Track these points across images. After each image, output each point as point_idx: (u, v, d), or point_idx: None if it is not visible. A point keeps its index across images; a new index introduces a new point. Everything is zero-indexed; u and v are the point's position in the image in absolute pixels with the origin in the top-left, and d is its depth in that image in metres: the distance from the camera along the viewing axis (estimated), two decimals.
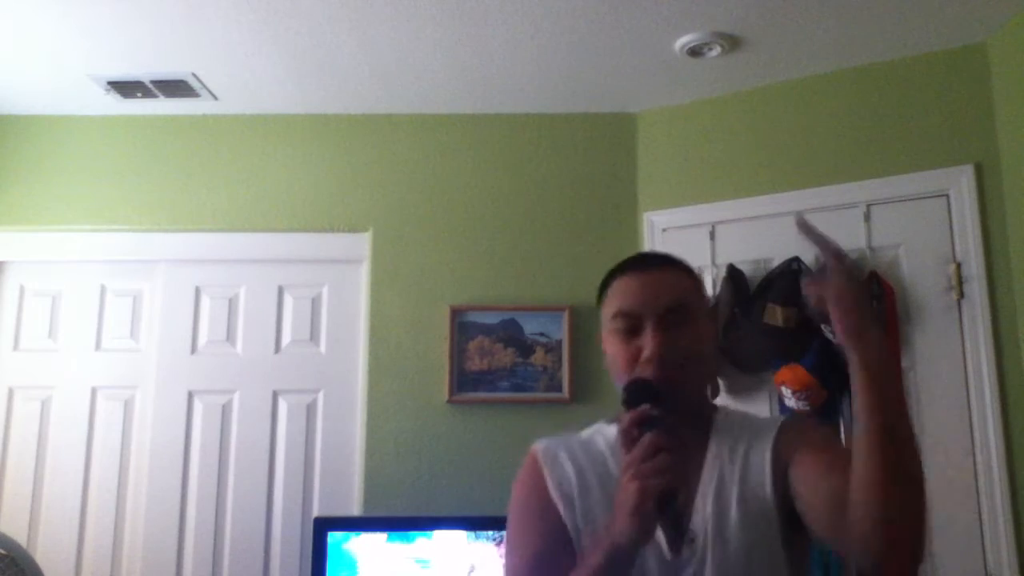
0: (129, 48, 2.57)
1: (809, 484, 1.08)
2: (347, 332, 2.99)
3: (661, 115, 3.00)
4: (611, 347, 1.21)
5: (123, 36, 2.50)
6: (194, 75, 2.76)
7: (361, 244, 3.02)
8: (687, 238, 2.85)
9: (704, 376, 1.26)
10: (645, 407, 1.05)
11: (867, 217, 2.59)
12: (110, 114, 3.06)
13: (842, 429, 2.49)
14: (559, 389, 2.85)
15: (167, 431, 2.91)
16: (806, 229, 1.05)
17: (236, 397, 2.96)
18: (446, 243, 2.97)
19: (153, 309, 3.02)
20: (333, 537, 2.52)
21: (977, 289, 2.40)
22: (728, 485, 1.15)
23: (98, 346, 3.00)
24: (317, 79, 2.80)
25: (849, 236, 2.59)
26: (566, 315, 2.85)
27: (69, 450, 2.92)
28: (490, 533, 2.49)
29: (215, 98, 2.94)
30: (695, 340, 1.18)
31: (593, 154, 3.02)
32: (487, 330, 2.89)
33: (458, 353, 2.88)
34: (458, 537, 2.51)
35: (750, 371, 2.64)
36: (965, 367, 2.40)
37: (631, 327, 1.18)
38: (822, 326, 2.44)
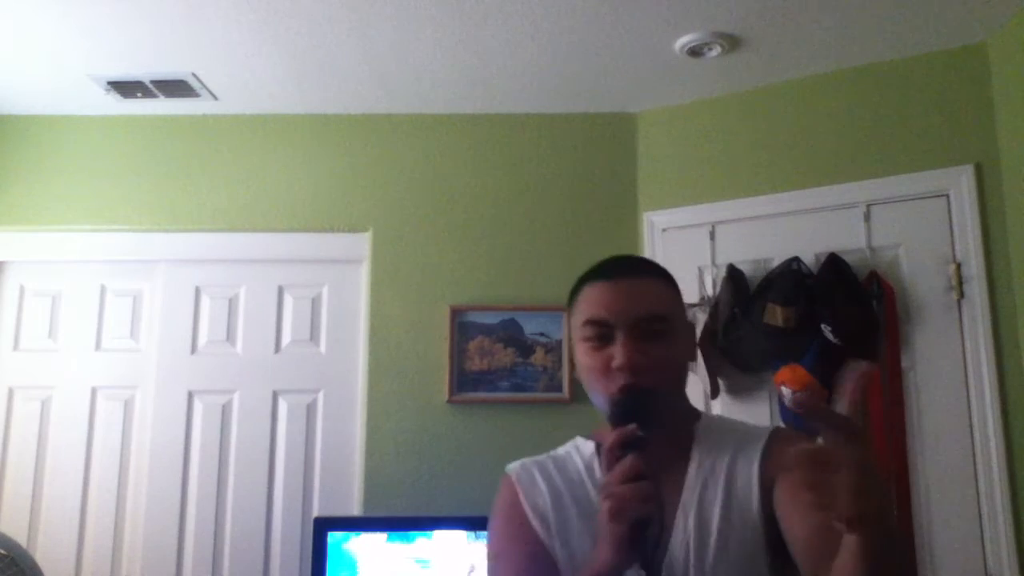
0: (129, 48, 2.57)
1: (795, 515, 1.01)
2: (347, 332, 2.99)
3: (661, 115, 3.00)
4: (582, 356, 1.15)
5: (123, 36, 2.50)
6: (194, 75, 2.76)
7: (361, 244, 3.02)
8: (687, 238, 2.85)
9: (680, 386, 1.19)
10: (631, 427, 1.01)
11: (867, 217, 2.59)
12: (110, 114, 3.06)
13: None
14: (559, 389, 2.85)
15: (167, 431, 2.91)
16: (813, 413, 0.84)
17: (236, 397, 2.96)
18: (446, 243, 2.97)
19: (153, 309, 3.02)
20: (333, 537, 2.52)
21: (977, 289, 2.40)
22: (711, 504, 1.09)
23: (98, 346, 3.00)
24: (317, 79, 2.80)
25: (849, 236, 2.59)
26: (566, 315, 2.84)
27: (69, 450, 2.92)
28: None
29: (215, 98, 2.94)
30: (669, 351, 1.12)
31: (593, 154, 3.02)
32: (487, 330, 2.89)
33: (458, 353, 2.88)
34: (458, 537, 2.51)
35: (750, 371, 2.64)
36: (965, 367, 2.40)
37: (602, 336, 1.12)
38: (822, 326, 2.44)
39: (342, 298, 3.02)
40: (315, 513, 2.83)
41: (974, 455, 2.36)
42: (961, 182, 2.47)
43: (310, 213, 3.02)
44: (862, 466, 0.76)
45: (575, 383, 2.83)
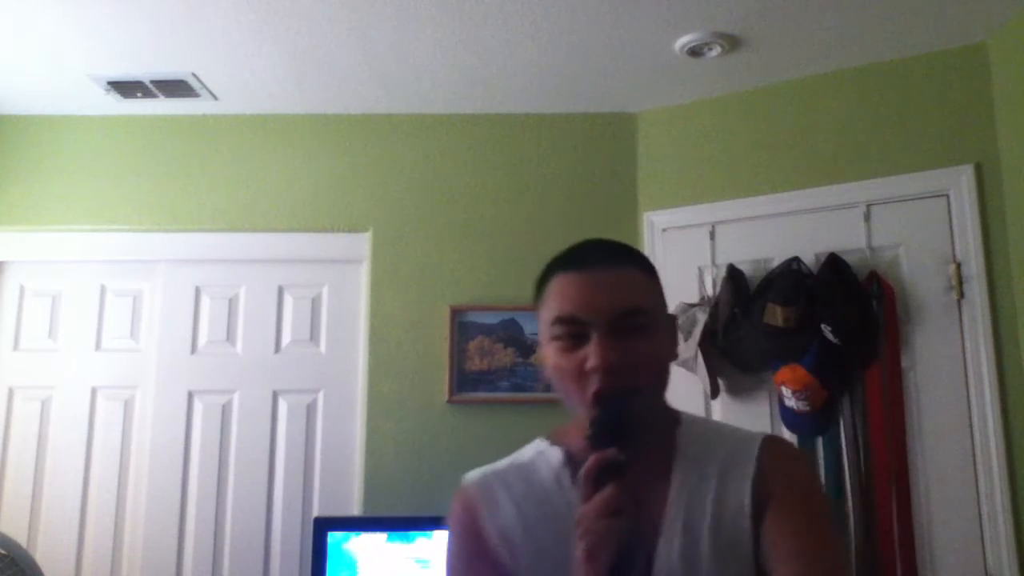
0: (129, 48, 2.57)
1: (780, 555, 0.95)
2: (347, 332, 2.99)
3: (661, 115, 3.00)
4: (552, 357, 1.03)
5: (123, 36, 2.50)
6: (194, 75, 2.76)
7: (361, 244, 3.02)
8: (687, 238, 2.85)
9: (662, 387, 1.06)
10: (611, 452, 0.91)
11: (867, 217, 2.59)
12: (110, 114, 3.06)
13: (842, 429, 2.50)
14: None
15: (167, 431, 2.91)
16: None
17: (236, 397, 2.96)
18: (446, 243, 2.97)
19: (153, 309, 3.02)
20: (333, 537, 2.52)
21: (977, 289, 2.40)
22: (698, 528, 0.98)
23: (98, 346, 3.00)
24: (317, 79, 2.80)
25: (849, 236, 2.59)
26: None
27: (69, 450, 2.92)
28: None
29: (215, 98, 2.94)
30: (650, 349, 1.01)
31: (593, 154, 3.02)
32: (487, 330, 2.89)
33: (458, 353, 2.88)
34: None
35: (750, 371, 2.64)
36: (965, 367, 2.40)
37: (575, 335, 1.00)
38: (822, 326, 2.44)
39: (342, 298, 3.02)
40: (315, 513, 2.83)
41: (974, 455, 2.36)
42: (961, 182, 2.47)
43: (310, 213, 3.02)
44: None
45: None
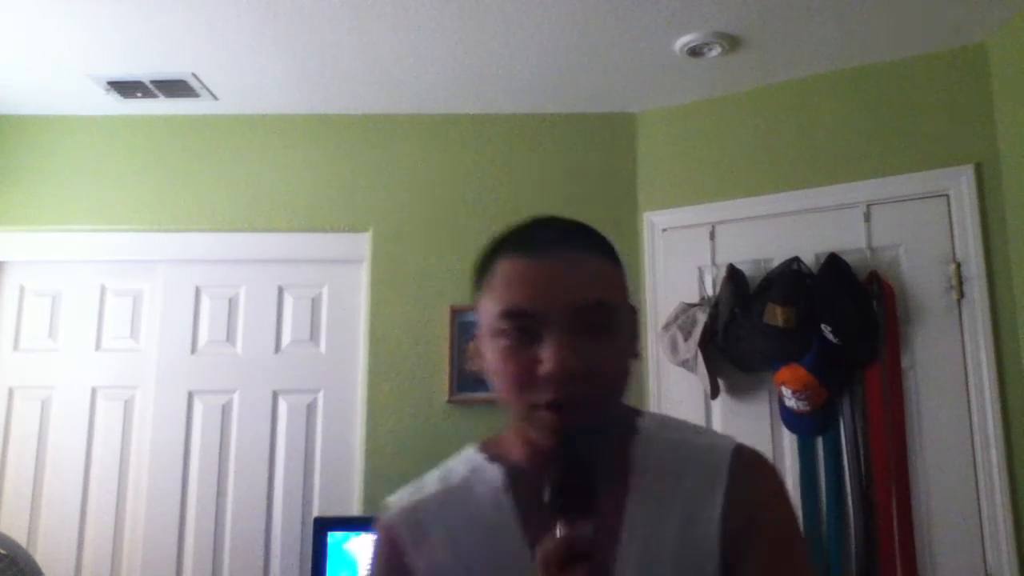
0: (129, 48, 2.57)
1: None
2: (347, 332, 2.99)
3: (661, 115, 3.00)
4: (494, 357, 0.87)
5: (123, 36, 2.50)
6: (194, 75, 2.76)
7: (361, 244, 3.02)
8: (687, 238, 2.85)
9: (623, 393, 0.90)
10: (582, 531, 0.76)
11: (867, 217, 2.59)
12: (110, 114, 3.06)
13: (842, 429, 2.50)
14: None
15: (167, 431, 2.91)
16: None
17: (236, 397, 2.96)
18: (446, 243, 2.97)
19: (153, 309, 3.02)
20: (333, 537, 2.52)
21: (977, 289, 2.40)
22: (658, 556, 0.85)
23: (98, 346, 3.00)
24: (317, 79, 2.80)
25: (849, 236, 2.59)
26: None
27: (69, 450, 2.92)
28: None
29: (215, 98, 2.94)
30: (613, 352, 0.86)
31: (593, 154, 3.02)
32: None
33: (458, 353, 2.88)
34: None
35: (750, 371, 2.64)
36: (965, 367, 2.40)
37: (524, 331, 0.85)
38: (822, 326, 2.44)
39: (342, 298, 3.02)
40: (315, 513, 2.83)
41: (974, 455, 2.35)
42: (961, 182, 2.47)
43: (310, 213, 3.02)
44: None
45: None
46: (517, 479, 0.92)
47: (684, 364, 2.66)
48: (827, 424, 2.50)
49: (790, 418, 2.53)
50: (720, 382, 2.65)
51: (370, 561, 0.96)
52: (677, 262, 2.85)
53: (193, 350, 2.98)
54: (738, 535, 0.86)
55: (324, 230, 3.02)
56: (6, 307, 3.03)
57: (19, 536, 2.70)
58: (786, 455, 2.59)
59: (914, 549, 2.36)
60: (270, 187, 3.03)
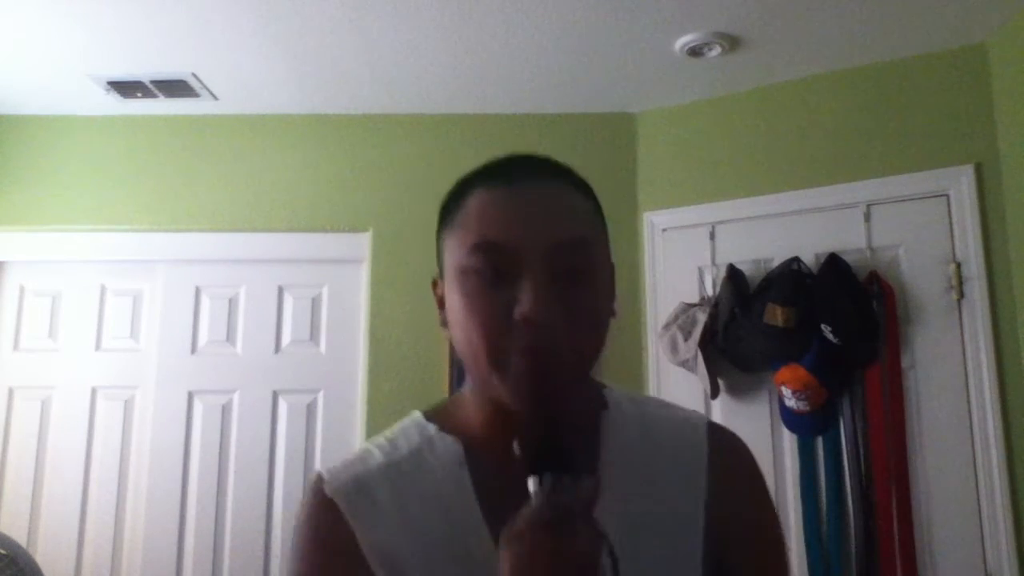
0: (129, 48, 2.57)
1: None
2: (347, 332, 2.99)
3: (661, 115, 3.00)
4: (460, 301, 0.78)
5: (123, 36, 2.49)
6: (194, 75, 2.76)
7: (361, 244, 3.02)
8: (687, 238, 2.85)
9: (599, 353, 0.79)
10: (577, 489, 0.67)
11: (867, 217, 2.59)
12: (110, 114, 3.06)
13: (842, 429, 2.50)
14: None
15: (167, 431, 2.91)
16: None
17: (236, 397, 2.96)
18: None
19: (153, 309, 3.02)
20: None
21: (977, 289, 2.40)
22: (635, 526, 0.79)
23: (98, 346, 3.00)
24: (317, 79, 2.80)
25: (849, 236, 2.59)
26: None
27: (69, 450, 2.92)
28: None
29: (215, 98, 2.94)
30: (592, 300, 0.77)
31: (593, 154, 3.02)
32: None
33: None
34: None
35: (750, 371, 2.64)
36: (965, 367, 2.40)
37: (497, 268, 0.76)
38: (822, 326, 2.44)
39: (342, 298, 3.02)
40: None
41: (974, 455, 2.35)
42: (961, 182, 2.47)
43: (310, 213, 3.02)
44: None
45: None
46: (475, 451, 0.83)
47: (684, 364, 2.66)
48: (827, 424, 2.50)
49: (790, 418, 2.53)
50: (720, 382, 2.65)
51: (301, 535, 0.81)
52: (677, 262, 2.85)
53: (193, 350, 2.98)
54: (723, 518, 0.84)
55: (324, 230, 3.02)
56: (6, 307, 3.03)
57: (19, 536, 2.70)
58: (786, 455, 2.59)
59: (914, 549, 2.36)
60: (270, 187, 3.03)
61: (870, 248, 2.56)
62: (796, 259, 2.57)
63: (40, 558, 2.57)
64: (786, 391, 2.48)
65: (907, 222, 2.54)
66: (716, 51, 2.56)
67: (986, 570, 2.30)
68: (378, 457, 0.84)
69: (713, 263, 2.78)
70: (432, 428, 0.86)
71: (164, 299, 3.01)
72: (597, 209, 0.84)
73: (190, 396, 2.95)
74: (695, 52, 2.56)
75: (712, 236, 2.81)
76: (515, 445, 0.69)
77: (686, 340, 2.63)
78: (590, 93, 2.90)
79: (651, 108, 3.01)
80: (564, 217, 0.77)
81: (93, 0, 2.29)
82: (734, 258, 2.73)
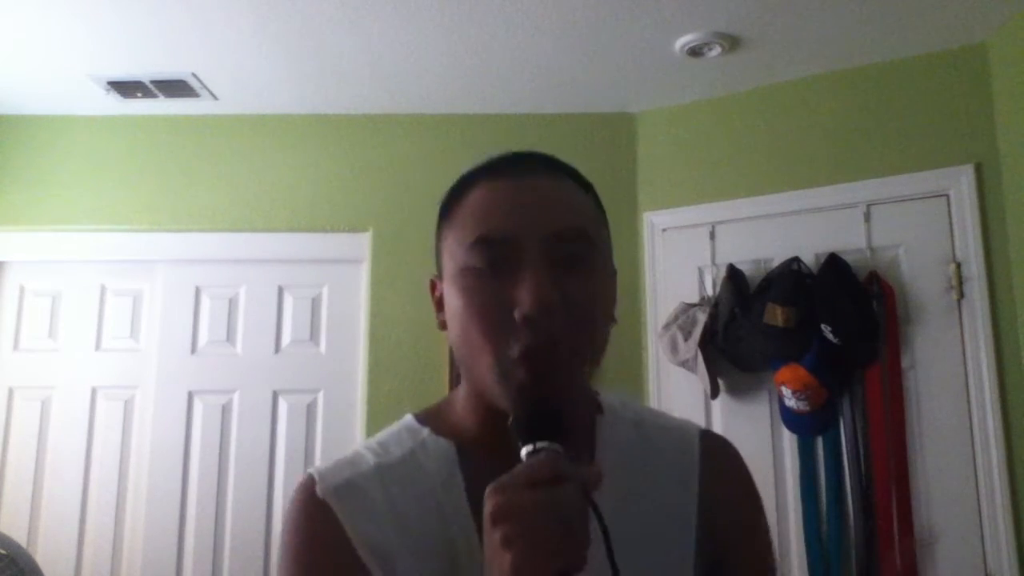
0: (129, 48, 2.57)
1: None
2: (347, 332, 2.99)
3: (661, 115, 3.00)
4: (460, 296, 0.77)
5: (123, 36, 2.49)
6: (194, 75, 2.76)
7: (361, 244, 3.02)
8: (687, 238, 2.85)
9: (599, 354, 0.79)
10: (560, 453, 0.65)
11: (867, 217, 2.59)
12: (110, 114, 3.06)
13: (842, 429, 2.50)
14: None
15: (167, 431, 2.91)
16: None
17: (236, 397, 2.96)
18: None
19: (153, 309, 3.02)
20: None
21: (977, 289, 2.40)
22: (627, 531, 0.76)
23: (98, 346, 3.00)
24: (317, 79, 2.80)
25: (849, 236, 2.59)
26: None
27: (69, 450, 2.92)
28: None
29: (215, 98, 2.94)
30: (595, 290, 0.77)
31: (593, 154, 3.02)
32: None
33: None
34: None
35: (750, 371, 2.64)
36: (965, 367, 2.40)
37: (498, 263, 0.75)
38: (822, 326, 2.44)
39: (342, 298, 3.02)
40: None
41: (974, 455, 2.35)
42: (961, 182, 2.47)
43: (310, 213, 3.02)
44: None
45: None
46: (468, 453, 0.82)
47: (684, 364, 2.66)
48: (827, 424, 2.50)
49: (790, 418, 2.53)
50: (720, 382, 2.65)
51: (293, 536, 0.80)
52: (677, 262, 2.85)
53: (193, 350, 2.98)
54: (716, 521, 0.85)
55: (324, 230, 3.02)
56: (6, 307, 3.03)
57: (19, 536, 2.70)
58: (786, 455, 2.59)
59: (914, 549, 2.36)
60: (270, 187, 3.03)
61: (870, 248, 2.56)
62: (796, 259, 2.57)
63: (40, 558, 2.57)
64: (786, 391, 2.48)
65: (907, 222, 2.54)
66: (716, 51, 2.56)
67: (986, 570, 2.30)
68: (369, 460, 0.84)
69: (713, 263, 2.78)
70: (425, 431, 0.85)
71: (164, 299, 3.01)
72: (599, 207, 0.85)
73: (190, 396, 2.95)
74: (695, 52, 2.56)
75: (712, 236, 2.81)
76: (510, 421, 0.68)
77: (686, 340, 2.63)
78: (590, 93, 2.90)
79: (651, 108, 3.01)
80: (563, 207, 0.78)
81: (93, 0, 2.29)
82: (734, 258, 2.73)
